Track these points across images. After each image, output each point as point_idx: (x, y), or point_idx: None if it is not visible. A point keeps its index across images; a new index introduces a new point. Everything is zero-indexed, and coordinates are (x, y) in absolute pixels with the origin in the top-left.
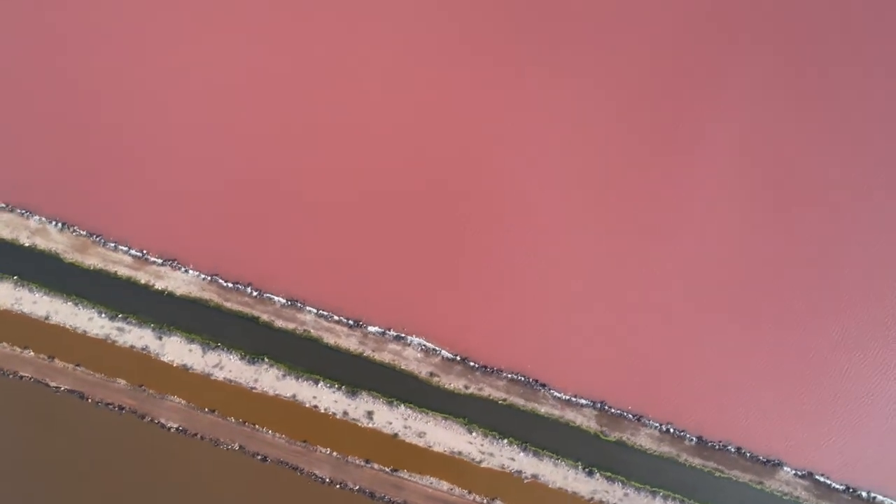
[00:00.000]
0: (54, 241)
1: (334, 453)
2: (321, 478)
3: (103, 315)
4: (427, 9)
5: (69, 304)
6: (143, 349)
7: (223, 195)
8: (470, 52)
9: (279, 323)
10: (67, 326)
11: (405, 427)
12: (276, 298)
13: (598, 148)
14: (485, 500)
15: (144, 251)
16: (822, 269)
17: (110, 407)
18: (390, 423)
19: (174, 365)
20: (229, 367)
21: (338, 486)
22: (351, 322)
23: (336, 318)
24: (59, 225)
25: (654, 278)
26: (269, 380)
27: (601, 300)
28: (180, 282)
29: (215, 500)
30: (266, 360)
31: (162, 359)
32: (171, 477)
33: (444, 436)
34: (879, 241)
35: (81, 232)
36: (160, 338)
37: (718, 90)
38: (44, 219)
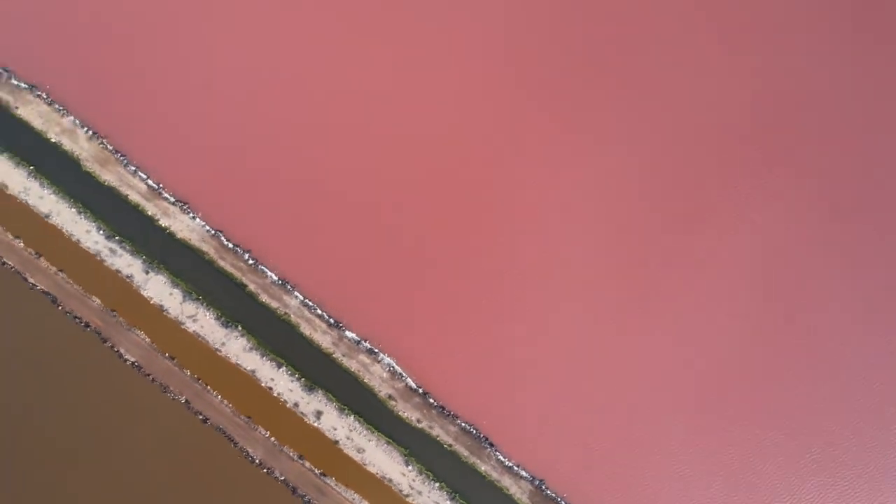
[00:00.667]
0: (80, 146)
1: (272, 438)
2: (252, 457)
3: (101, 232)
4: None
5: (73, 210)
6: (127, 277)
7: (254, 161)
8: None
9: (264, 297)
10: (64, 231)
11: (348, 438)
12: (269, 273)
13: (604, 212)
14: None
15: (161, 185)
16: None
17: (77, 320)
18: (335, 430)
19: (151, 302)
20: (203, 322)
21: (265, 471)
22: (331, 320)
23: (319, 311)
24: (90, 133)
25: (636, 374)
26: (236, 348)
27: (579, 381)
28: (184, 226)
29: (141, 439)
30: (239, 328)
31: (142, 292)
32: (109, 405)
33: (382, 459)
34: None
35: (108, 146)
36: (147, 272)
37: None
38: (78, 122)
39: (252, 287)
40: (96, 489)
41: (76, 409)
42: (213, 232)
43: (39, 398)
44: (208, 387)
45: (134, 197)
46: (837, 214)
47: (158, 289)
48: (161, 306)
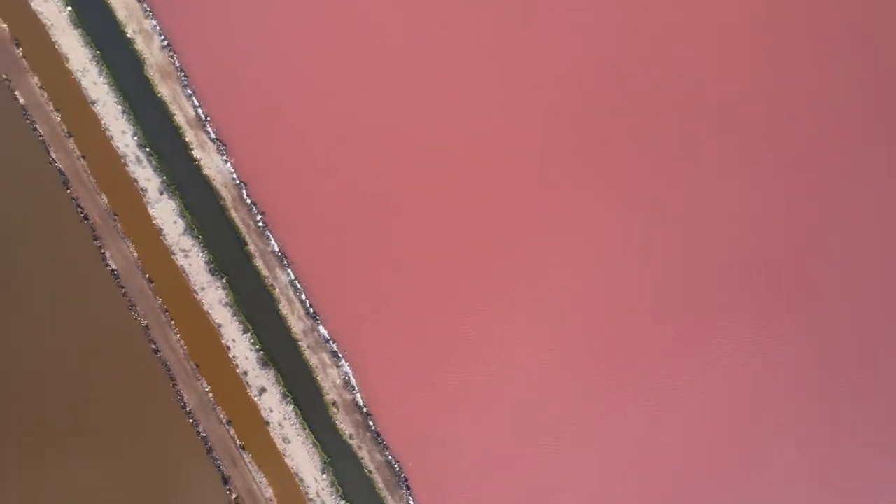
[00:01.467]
0: (151, 51)
1: (210, 395)
2: (184, 404)
3: (135, 138)
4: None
5: (118, 107)
6: (142, 189)
7: (305, 135)
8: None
9: (258, 262)
10: (102, 122)
11: (279, 424)
12: (272, 242)
13: (603, 295)
14: None
15: (209, 118)
16: None
17: (79, 209)
18: (271, 411)
19: (154, 222)
20: (193, 261)
21: (190, 421)
22: (311, 310)
23: (303, 297)
24: (165, 43)
25: (580, 465)
26: (213, 297)
27: (522, 456)
28: (214, 165)
29: (85, 342)
30: (224, 280)
31: (149, 209)
32: (72, 299)
33: (302, 457)
34: None
35: (176, 63)
36: (161, 192)
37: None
38: (159, 28)
39: (251, 248)
40: (14, 367)
41: (38, 283)
42: (237, 182)
43: (7, 260)
44: (172, 322)
45: (179, 118)
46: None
47: (165, 213)
48: (161, 230)
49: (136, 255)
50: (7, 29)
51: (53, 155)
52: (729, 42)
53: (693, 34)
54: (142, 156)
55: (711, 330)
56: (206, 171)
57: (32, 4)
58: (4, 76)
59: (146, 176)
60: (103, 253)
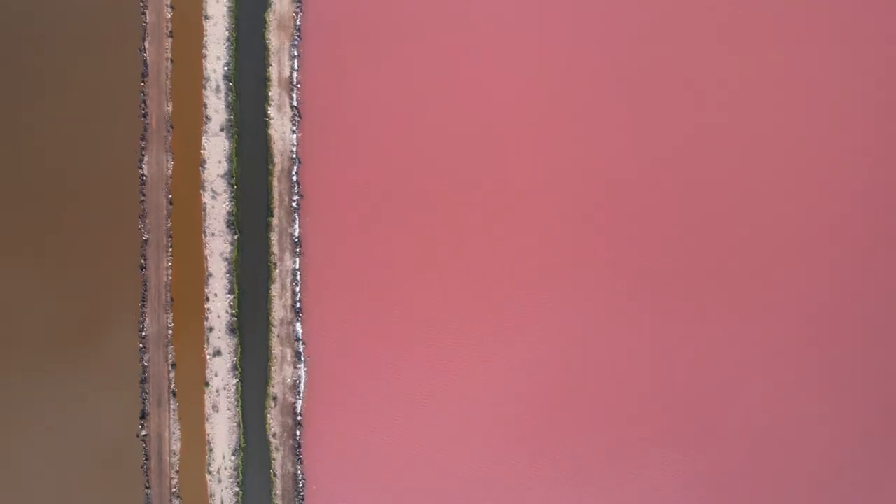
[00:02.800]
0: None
1: (170, 331)
2: (143, 326)
3: (227, 67)
4: None
5: (226, 31)
6: (206, 116)
7: (383, 139)
8: None
9: (273, 237)
10: (205, 38)
11: (216, 391)
12: (296, 226)
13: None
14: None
15: (299, 85)
16: None
17: (143, 105)
18: (215, 375)
19: (201, 150)
20: (217, 204)
21: (140, 346)
22: (297, 305)
23: (297, 289)
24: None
25: None
26: (217, 247)
27: None
28: (280, 129)
29: (82, 223)
30: (235, 237)
31: (203, 137)
32: (89, 184)
33: (222, 431)
34: None
35: (298, 21)
36: (222, 129)
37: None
38: None
39: (275, 221)
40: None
41: (72, 148)
42: (294, 156)
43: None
44: (170, 250)
45: (273, 71)
46: None
47: (216, 148)
48: (204, 161)
49: (170, 171)
50: None
51: (147, 45)
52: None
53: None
54: (222, 86)
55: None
56: (271, 131)
57: None
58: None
59: (216, 107)
60: (143, 155)
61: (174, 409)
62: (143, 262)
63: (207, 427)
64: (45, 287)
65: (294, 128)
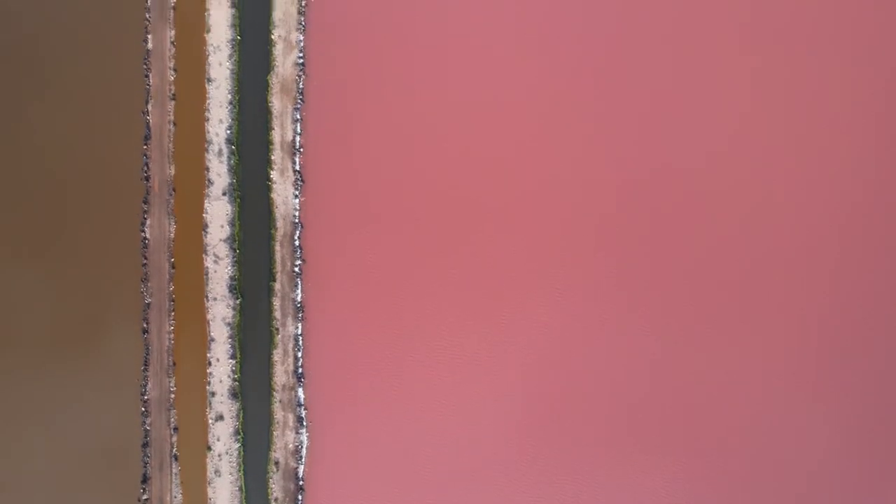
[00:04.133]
0: (284, 61)
1: (172, 395)
2: (145, 390)
3: (229, 131)
4: None
5: (229, 94)
6: (209, 180)
7: (383, 221)
8: None
9: (276, 302)
10: (207, 101)
11: (219, 455)
12: (298, 291)
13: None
14: None
15: (302, 150)
16: None
17: (145, 168)
18: (217, 440)
19: (204, 215)
20: (219, 269)
21: (142, 409)
22: (300, 371)
23: (299, 354)
24: (301, 62)
25: None
26: (220, 311)
27: None
28: (283, 193)
29: (86, 287)
30: (237, 302)
31: (206, 201)
32: (90, 249)
33: (224, 495)
34: None
35: (301, 85)
36: (224, 193)
37: None
38: (303, 45)
39: (277, 286)
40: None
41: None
42: (296, 220)
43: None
44: (172, 313)
45: (275, 135)
46: None
47: (218, 213)
48: (206, 226)
49: (172, 235)
50: None
51: (149, 108)
52: None
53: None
54: (225, 150)
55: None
56: (274, 195)
57: None
58: (148, 16)
59: (219, 170)
60: (145, 218)
61: (176, 474)
62: (145, 325)
63: (209, 491)
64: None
65: (297, 192)
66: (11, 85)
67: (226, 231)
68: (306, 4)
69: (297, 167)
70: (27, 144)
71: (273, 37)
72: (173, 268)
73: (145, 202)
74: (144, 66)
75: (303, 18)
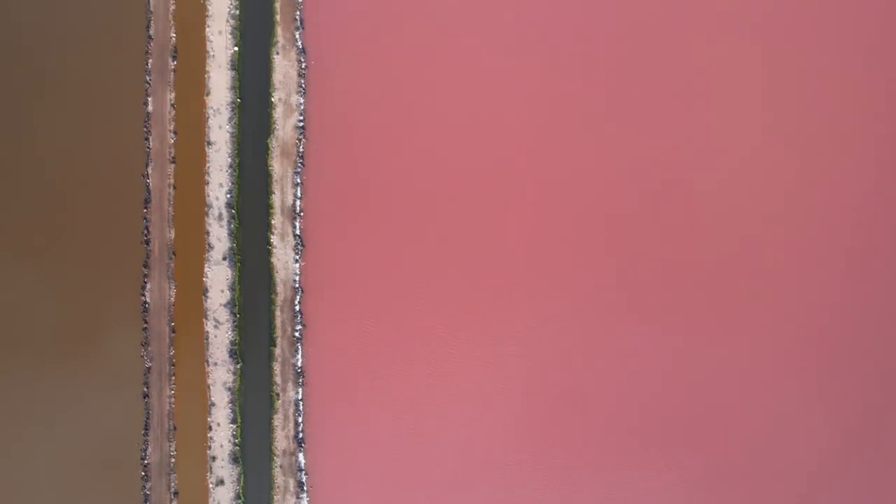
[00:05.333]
0: (284, 124)
1: (172, 459)
2: (145, 455)
3: (229, 195)
4: None
5: (229, 158)
6: (209, 244)
7: (383, 292)
8: None
9: (276, 367)
10: (207, 165)
11: (218, 468)
12: (299, 356)
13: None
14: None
15: (302, 214)
16: None
17: (145, 232)
18: (221, 447)
19: (203, 279)
20: (220, 334)
21: (142, 474)
22: (300, 436)
23: (300, 419)
24: (301, 125)
25: None
26: (220, 376)
27: None
28: (283, 258)
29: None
30: (238, 366)
31: (206, 265)
32: (93, 329)
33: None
34: None
35: (301, 148)
36: (224, 258)
37: None
38: (303, 108)
39: (277, 351)
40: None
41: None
42: (296, 285)
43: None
44: (173, 378)
45: (276, 199)
46: None
47: (219, 277)
48: (206, 290)
49: (172, 299)
50: (174, 41)
51: (149, 171)
52: None
53: None
54: (225, 214)
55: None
56: (274, 259)
57: (207, 31)
58: (148, 79)
59: (219, 235)
60: (145, 282)
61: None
62: (145, 390)
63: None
64: (51, 412)
65: (297, 257)
66: (10, 146)
67: (226, 296)
68: (306, 67)
69: (298, 231)
70: (26, 205)
71: (273, 99)
72: (173, 332)
73: (145, 266)
74: (144, 129)
75: (303, 81)
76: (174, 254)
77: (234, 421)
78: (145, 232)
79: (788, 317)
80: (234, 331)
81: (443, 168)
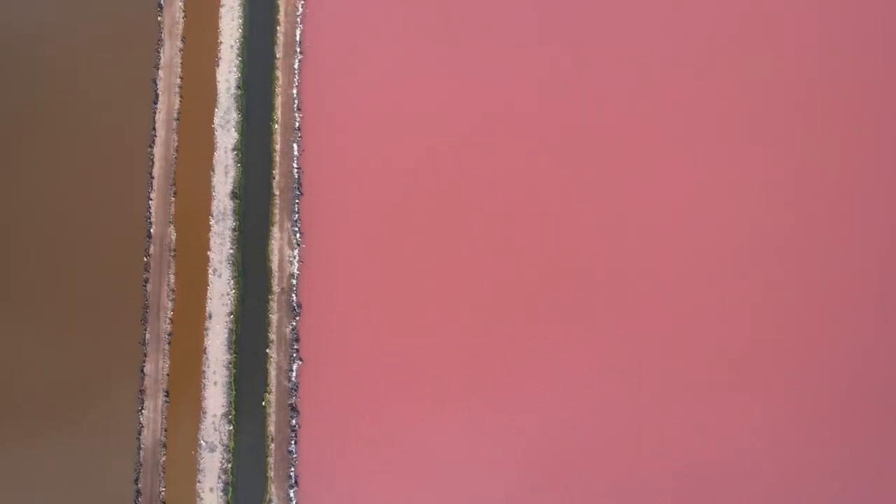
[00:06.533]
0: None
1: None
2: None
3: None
4: None
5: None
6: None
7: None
8: None
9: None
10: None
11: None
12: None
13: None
14: None
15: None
16: None
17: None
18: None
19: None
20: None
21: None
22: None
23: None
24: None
25: None
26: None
27: None
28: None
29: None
30: (230, 429)
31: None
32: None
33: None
34: None
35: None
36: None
37: None
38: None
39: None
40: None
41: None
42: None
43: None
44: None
45: (273, 262)
46: None
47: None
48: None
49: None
50: (178, 102)
51: (148, 278)
52: None
53: None
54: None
55: None
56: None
57: (218, 73)
58: (153, 131)
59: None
60: (141, 409)
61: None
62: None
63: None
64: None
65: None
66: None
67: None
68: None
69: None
70: (30, 306)
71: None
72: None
73: (141, 392)
74: (147, 241)
75: (299, 143)
76: (168, 393)
77: (226, 474)
78: (143, 358)
79: (793, 384)
80: (226, 393)
81: (446, 240)
